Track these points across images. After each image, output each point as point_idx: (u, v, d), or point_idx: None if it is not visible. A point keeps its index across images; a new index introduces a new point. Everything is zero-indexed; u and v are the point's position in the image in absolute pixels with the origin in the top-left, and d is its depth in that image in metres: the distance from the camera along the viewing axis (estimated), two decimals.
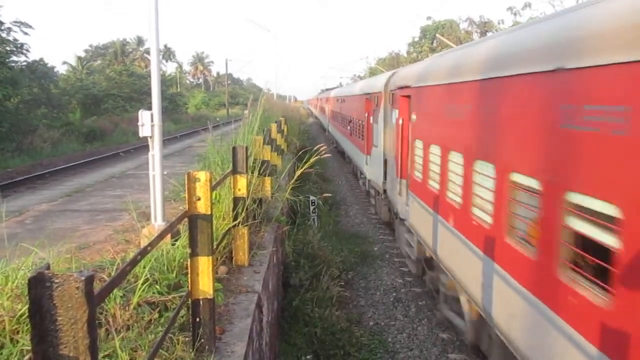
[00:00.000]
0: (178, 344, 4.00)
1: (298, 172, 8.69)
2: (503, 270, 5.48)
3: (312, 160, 8.76)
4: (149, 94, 6.87)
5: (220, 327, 4.58)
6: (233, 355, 4.19)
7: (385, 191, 14.10)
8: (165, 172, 6.91)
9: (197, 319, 3.95)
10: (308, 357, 8.11)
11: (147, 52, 66.56)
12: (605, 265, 3.76)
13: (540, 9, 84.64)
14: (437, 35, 44.35)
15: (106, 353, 3.59)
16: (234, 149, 6.58)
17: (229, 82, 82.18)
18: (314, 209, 15.06)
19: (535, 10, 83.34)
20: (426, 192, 9.01)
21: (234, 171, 6.54)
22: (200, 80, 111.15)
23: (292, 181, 9.38)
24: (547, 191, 4.56)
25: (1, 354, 3.48)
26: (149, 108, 6.63)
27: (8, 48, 26.15)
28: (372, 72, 53.53)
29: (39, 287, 1.79)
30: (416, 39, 60.01)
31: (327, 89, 63.30)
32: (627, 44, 3.60)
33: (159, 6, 6.52)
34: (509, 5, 63.67)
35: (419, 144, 9.68)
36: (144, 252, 3.03)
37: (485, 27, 51.56)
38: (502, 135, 5.66)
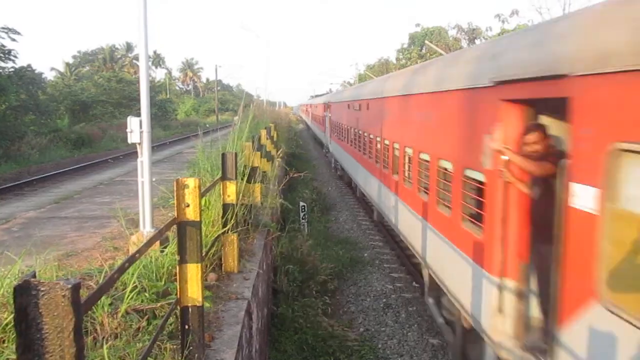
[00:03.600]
0: (167, 351, 3.97)
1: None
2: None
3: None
4: (138, 101, 6.85)
5: (209, 335, 4.56)
6: None
7: (329, 148, 31.04)
8: (154, 179, 6.88)
9: (186, 327, 3.93)
10: None
11: (136, 58, 66.44)
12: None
13: (528, 17, 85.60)
14: (426, 42, 44.69)
15: None
16: (223, 155, 6.56)
17: (218, 88, 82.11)
18: (304, 214, 15.05)
19: (523, 17, 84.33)
20: (334, 138, 26.79)
21: (224, 177, 6.53)
22: (190, 86, 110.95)
23: (280, 186, 9.37)
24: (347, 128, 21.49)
25: None
26: (138, 114, 6.61)
27: None
28: (361, 79, 53.83)
29: (25, 295, 1.77)
30: (405, 46, 60.45)
31: (315, 95, 66.40)
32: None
33: (148, 12, 6.52)
34: (496, 13, 64.34)
35: (332, 122, 27.57)
36: (132, 260, 3.01)
37: (473, 34, 52.04)
38: (350, 118, 19.95)
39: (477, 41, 49.84)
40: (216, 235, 6.22)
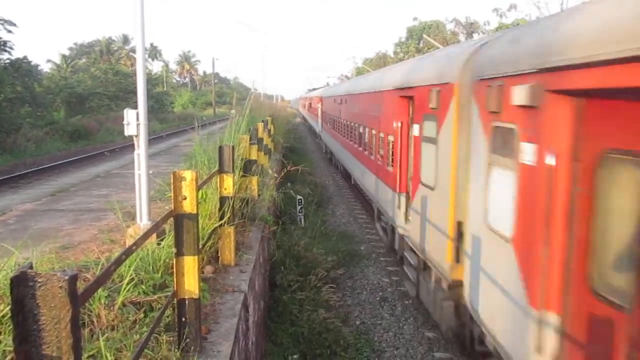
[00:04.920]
0: (163, 343, 3.98)
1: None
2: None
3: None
4: (135, 93, 6.83)
5: (206, 327, 4.57)
6: (219, 355, 4.18)
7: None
8: (150, 172, 6.87)
9: (183, 319, 3.94)
10: (294, 356, 8.10)
11: (133, 50, 66.07)
12: None
13: (526, 11, 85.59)
14: (424, 35, 44.59)
15: (90, 353, 3.56)
16: (220, 148, 6.56)
17: (215, 81, 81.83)
18: (301, 208, 15.06)
19: (521, 11, 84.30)
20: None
21: (221, 170, 6.53)
22: (187, 79, 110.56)
23: (278, 179, 9.39)
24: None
25: None
26: (135, 107, 6.59)
27: None
28: (359, 72, 53.71)
29: (22, 286, 1.77)
30: (402, 39, 60.37)
31: (313, 89, 61.77)
32: None
33: (145, 4, 6.49)
34: (494, 7, 64.36)
35: None
36: (128, 252, 3.01)
37: (471, 28, 51.97)
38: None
39: (475, 35, 49.76)
40: (213, 228, 6.23)
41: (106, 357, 3.50)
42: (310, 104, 46.05)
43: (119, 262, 2.81)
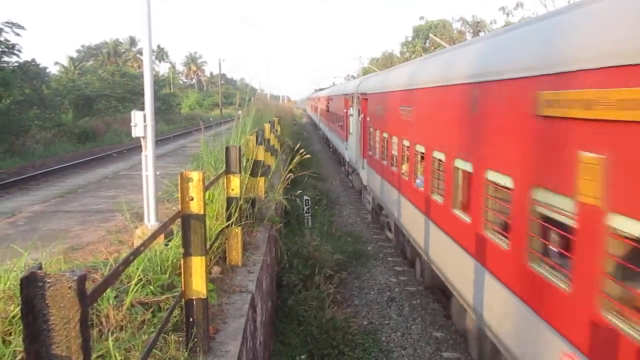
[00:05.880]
0: (171, 344, 4.00)
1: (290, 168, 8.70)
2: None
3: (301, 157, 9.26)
4: (142, 95, 6.86)
5: (213, 327, 4.58)
6: (227, 355, 4.19)
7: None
8: (158, 173, 6.90)
9: (191, 319, 3.95)
10: (302, 356, 8.11)
11: (140, 52, 66.18)
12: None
13: (532, 9, 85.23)
14: (430, 35, 44.49)
15: (99, 353, 3.58)
16: (227, 149, 6.57)
17: (222, 82, 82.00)
18: (308, 208, 15.06)
19: (527, 10, 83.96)
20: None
21: (227, 171, 6.54)
22: (194, 80, 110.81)
23: (284, 178, 9.42)
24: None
25: None
26: (142, 108, 6.62)
27: None
28: (366, 72, 53.63)
29: (31, 286, 1.79)
30: (409, 39, 60.28)
31: (320, 89, 61.53)
32: None
33: (152, 6, 6.52)
34: (501, 5, 64.16)
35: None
36: (136, 252, 3.03)
37: (477, 27, 51.81)
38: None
39: (482, 34, 49.56)
40: (220, 229, 6.24)
41: (115, 357, 3.52)
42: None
43: (127, 262, 2.83)
